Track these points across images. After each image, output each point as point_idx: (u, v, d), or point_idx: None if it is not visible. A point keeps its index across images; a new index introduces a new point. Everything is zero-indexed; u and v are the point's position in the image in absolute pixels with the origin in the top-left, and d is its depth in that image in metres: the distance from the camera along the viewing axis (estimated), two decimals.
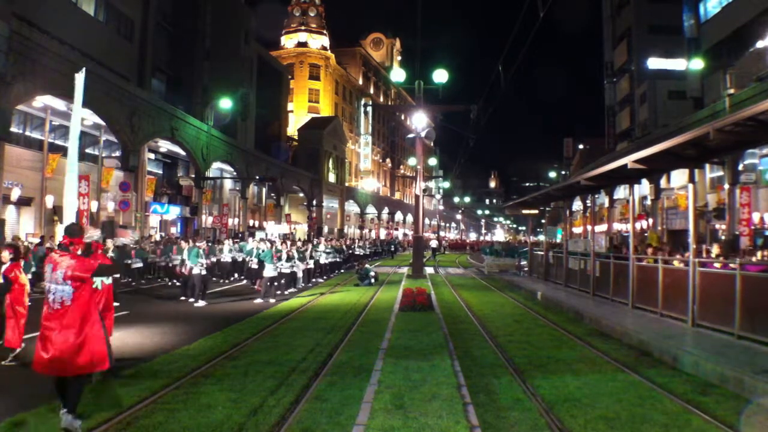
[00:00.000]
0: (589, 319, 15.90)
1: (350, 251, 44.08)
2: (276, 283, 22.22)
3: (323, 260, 30.94)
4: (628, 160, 15.02)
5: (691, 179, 14.88)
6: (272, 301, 20.83)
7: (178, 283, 26.63)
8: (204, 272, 21.18)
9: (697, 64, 40.28)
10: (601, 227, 36.09)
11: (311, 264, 28.71)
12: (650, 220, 41.16)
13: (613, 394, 8.77)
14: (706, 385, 9.34)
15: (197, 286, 20.65)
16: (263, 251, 23.50)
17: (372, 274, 28.41)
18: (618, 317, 15.41)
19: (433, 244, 76.83)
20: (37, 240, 26.18)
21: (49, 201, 30.02)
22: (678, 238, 32.57)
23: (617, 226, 44.47)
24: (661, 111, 53.33)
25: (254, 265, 25.78)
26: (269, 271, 21.94)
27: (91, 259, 8.01)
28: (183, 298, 21.37)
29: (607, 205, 29.39)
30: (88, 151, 36.88)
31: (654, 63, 54.82)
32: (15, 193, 27.88)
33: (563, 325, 15.55)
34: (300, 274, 26.65)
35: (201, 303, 20.04)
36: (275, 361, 10.84)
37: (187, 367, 10.25)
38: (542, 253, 30.56)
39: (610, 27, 66.99)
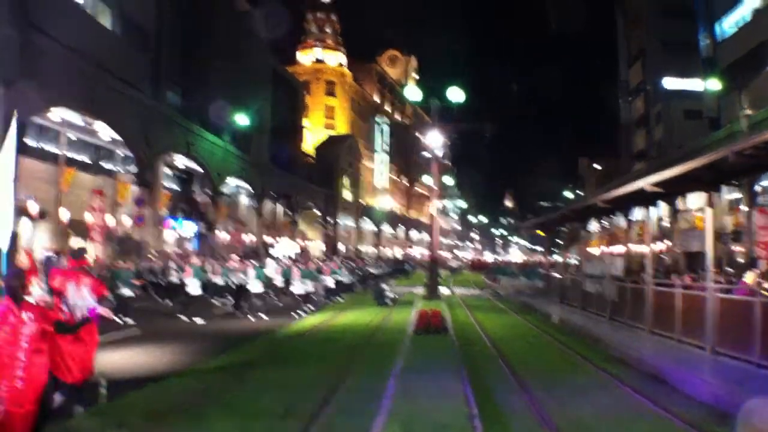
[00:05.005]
0: (606, 344, 15.65)
1: (366, 271, 43.88)
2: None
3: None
4: (645, 183, 14.85)
5: (710, 203, 14.66)
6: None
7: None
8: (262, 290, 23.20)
9: (714, 84, 40.02)
10: (618, 248, 35.77)
11: (329, 283, 28.64)
12: (667, 242, 40.77)
13: (628, 422, 8.62)
14: (724, 415, 9.10)
15: (259, 304, 22.58)
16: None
17: (388, 294, 28.11)
18: (635, 343, 15.18)
19: (452, 263, 76.89)
20: (51, 254, 26.15)
21: (64, 215, 30.00)
22: (695, 261, 32.21)
23: (633, 247, 44.06)
24: (677, 131, 53.09)
25: (280, 283, 26.03)
26: (298, 288, 23.63)
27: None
28: (246, 314, 22.26)
29: (623, 226, 29.17)
30: (104, 165, 36.99)
31: (669, 83, 54.68)
32: (33, 207, 27.85)
33: (578, 349, 15.28)
34: (321, 292, 26.78)
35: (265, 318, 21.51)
36: (284, 383, 10.69)
37: (196, 389, 10.15)
38: (559, 276, 30.30)
39: (625, 46, 66.96)
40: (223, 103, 51.40)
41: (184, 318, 20.44)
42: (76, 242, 30.08)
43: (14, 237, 23.55)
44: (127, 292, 19.97)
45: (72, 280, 8.51)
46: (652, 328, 16.48)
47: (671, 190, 16.08)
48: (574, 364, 13.59)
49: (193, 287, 21.82)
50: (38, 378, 6.08)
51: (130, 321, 18.90)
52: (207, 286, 24.10)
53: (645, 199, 17.62)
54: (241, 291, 23.45)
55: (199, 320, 20.25)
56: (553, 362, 13.61)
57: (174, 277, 26.16)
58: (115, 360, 12.77)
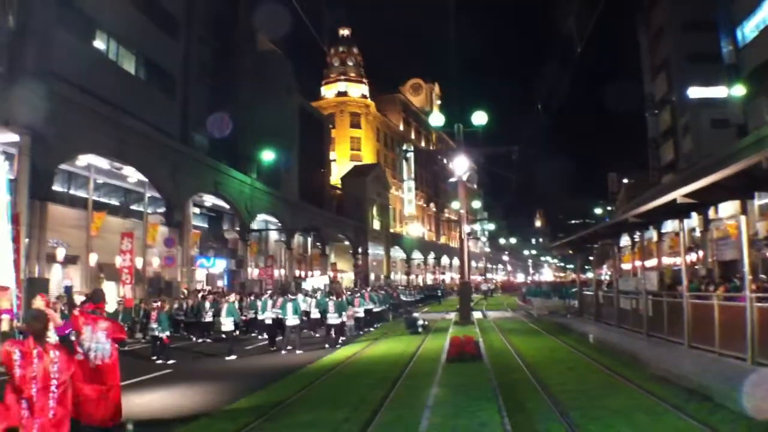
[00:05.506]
0: (645, 362, 15.28)
1: (398, 299, 43.78)
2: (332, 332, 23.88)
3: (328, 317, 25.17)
4: (677, 195, 14.57)
5: (743, 211, 14.31)
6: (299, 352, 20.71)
7: (209, 340, 26.19)
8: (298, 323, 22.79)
9: (738, 90, 39.45)
10: (651, 262, 35.30)
11: (360, 313, 28.52)
12: (700, 252, 40.12)
13: None
14: None
15: (294, 337, 22.31)
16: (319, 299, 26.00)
17: (420, 322, 27.66)
18: (674, 359, 14.80)
19: (484, 287, 76.73)
20: (83, 297, 26.25)
21: (94, 259, 30.16)
22: (729, 270, 31.62)
23: (666, 260, 43.43)
24: (705, 140, 52.32)
25: (317, 315, 26.01)
26: (333, 319, 23.78)
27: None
28: (273, 348, 22.70)
29: (655, 239, 28.79)
30: (133, 207, 37.23)
31: (695, 92, 53.92)
32: (60, 253, 28.10)
33: (618, 369, 14.87)
34: (351, 323, 26.72)
35: (300, 351, 21.50)
36: (317, 421, 10.47)
37: (227, 430, 9.96)
38: (592, 293, 29.84)
39: (648, 59, 66.57)
40: (250, 140, 51.67)
41: (227, 357, 20.28)
42: (107, 286, 30.20)
43: (46, 282, 23.86)
44: (161, 332, 19.97)
45: (89, 323, 8.52)
46: (691, 342, 16.09)
47: (704, 201, 15.76)
48: (614, 385, 13.22)
49: (228, 324, 21.76)
50: (67, 410, 6.37)
51: (168, 361, 19.06)
52: (239, 322, 24.05)
53: (677, 211, 17.28)
54: (275, 325, 23.62)
55: (231, 357, 20.17)
56: (592, 384, 13.24)
57: (207, 316, 26.20)
58: (146, 401, 12.69)
